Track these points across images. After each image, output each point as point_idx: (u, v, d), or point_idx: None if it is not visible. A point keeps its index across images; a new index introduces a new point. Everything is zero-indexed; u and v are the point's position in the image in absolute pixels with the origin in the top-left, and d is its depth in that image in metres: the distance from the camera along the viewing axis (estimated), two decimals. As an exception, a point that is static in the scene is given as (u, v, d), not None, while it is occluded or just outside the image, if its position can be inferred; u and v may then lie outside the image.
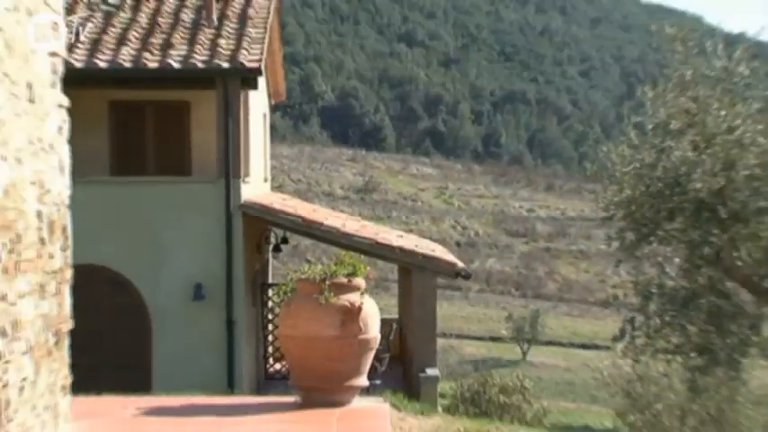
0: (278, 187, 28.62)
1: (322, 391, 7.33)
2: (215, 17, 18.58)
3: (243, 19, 18.66)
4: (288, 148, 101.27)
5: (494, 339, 59.10)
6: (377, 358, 8.87)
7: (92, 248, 13.31)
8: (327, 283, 7.35)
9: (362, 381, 7.54)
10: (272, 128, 24.66)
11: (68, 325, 6.34)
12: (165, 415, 7.27)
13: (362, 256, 9.49)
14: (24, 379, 5.48)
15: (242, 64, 17.13)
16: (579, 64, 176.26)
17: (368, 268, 7.77)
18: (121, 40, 17.83)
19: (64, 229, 6.30)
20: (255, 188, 19.13)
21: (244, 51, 17.43)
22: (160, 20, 18.66)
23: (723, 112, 13.77)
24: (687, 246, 14.03)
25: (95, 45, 17.63)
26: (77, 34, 17.54)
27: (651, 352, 15.05)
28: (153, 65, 17.20)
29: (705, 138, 13.78)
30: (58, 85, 6.24)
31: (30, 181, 5.63)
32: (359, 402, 7.48)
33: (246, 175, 17.69)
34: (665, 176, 13.79)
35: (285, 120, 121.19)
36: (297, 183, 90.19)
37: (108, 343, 15.22)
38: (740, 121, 13.70)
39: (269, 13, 19.03)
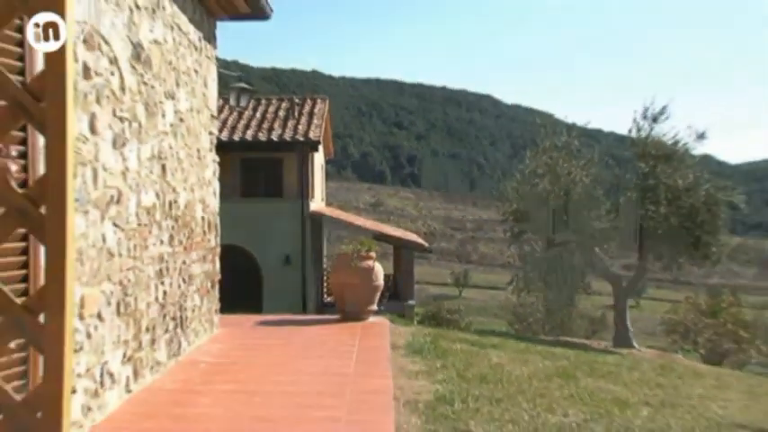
0: (329, 204, 28.56)
1: (353, 313, 7.30)
2: (296, 114, 18.63)
3: (311, 115, 18.70)
4: (334, 183, 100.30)
5: (444, 285, 58.83)
6: (382, 295, 8.85)
7: (231, 236, 13.29)
8: (355, 255, 7.33)
9: (374, 307, 7.51)
10: (326, 172, 24.60)
11: (218, 277, 6.33)
12: (269, 325, 7.27)
13: (374, 240, 9.50)
14: (195, 305, 5.49)
15: (310, 138, 17.16)
16: (489, 138, 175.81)
17: (377, 247, 7.76)
18: (247, 126, 17.87)
19: (216, 226, 6.30)
20: (317, 204, 19.11)
21: (311, 132, 17.46)
22: (267, 115, 18.72)
23: (565, 165, 13.78)
24: (546, 235, 14.02)
25: (233, 129, 17.67)
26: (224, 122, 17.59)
27: (527, 291, 15.04)
28: (263, 139, 17.25)
29: (555, 178, 13.78)
30: (213, 150, 6.25)
31: (198, 200, 5.63)
32: (373, 319, 7.46)
33: (312, 197, 17.70)
34: (535, 199, 13.79)
35: (333, 168, 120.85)
36: (339, 201, 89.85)
37: (239, 287, 15.17)
38: (574, 169, 13.72)
39: (324, 111, 19.09)
